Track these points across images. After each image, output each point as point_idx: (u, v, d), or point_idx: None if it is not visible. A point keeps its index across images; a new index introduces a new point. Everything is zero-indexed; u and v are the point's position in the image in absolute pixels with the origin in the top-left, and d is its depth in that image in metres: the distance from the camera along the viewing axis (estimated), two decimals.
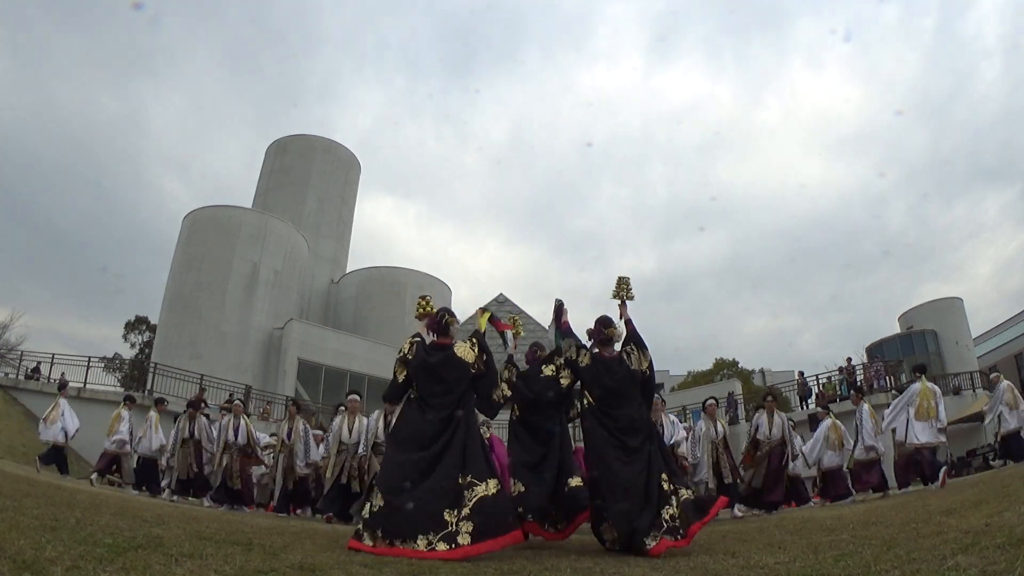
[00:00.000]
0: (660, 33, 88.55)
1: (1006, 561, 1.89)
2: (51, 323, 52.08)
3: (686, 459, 7.66)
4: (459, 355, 3.87)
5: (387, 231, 74.02)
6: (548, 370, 4.33)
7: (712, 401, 8.27)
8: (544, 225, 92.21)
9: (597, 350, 4.15)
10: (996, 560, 1.94)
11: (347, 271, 30.42)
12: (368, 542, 3.27)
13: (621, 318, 4.25)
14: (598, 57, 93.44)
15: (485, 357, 3.97)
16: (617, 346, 4.15)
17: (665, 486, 3.66)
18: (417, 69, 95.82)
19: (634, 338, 4.13)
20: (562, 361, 4.28)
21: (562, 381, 4.26)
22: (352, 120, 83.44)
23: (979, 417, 16.46)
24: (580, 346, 4.24)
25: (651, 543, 3.35)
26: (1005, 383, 9.38)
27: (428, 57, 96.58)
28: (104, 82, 74.57)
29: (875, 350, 27.31)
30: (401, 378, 3.88)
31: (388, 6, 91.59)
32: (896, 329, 28.78)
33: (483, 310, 4.59)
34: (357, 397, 7.82)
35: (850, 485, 8.51)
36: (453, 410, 3.69)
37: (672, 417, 7.15)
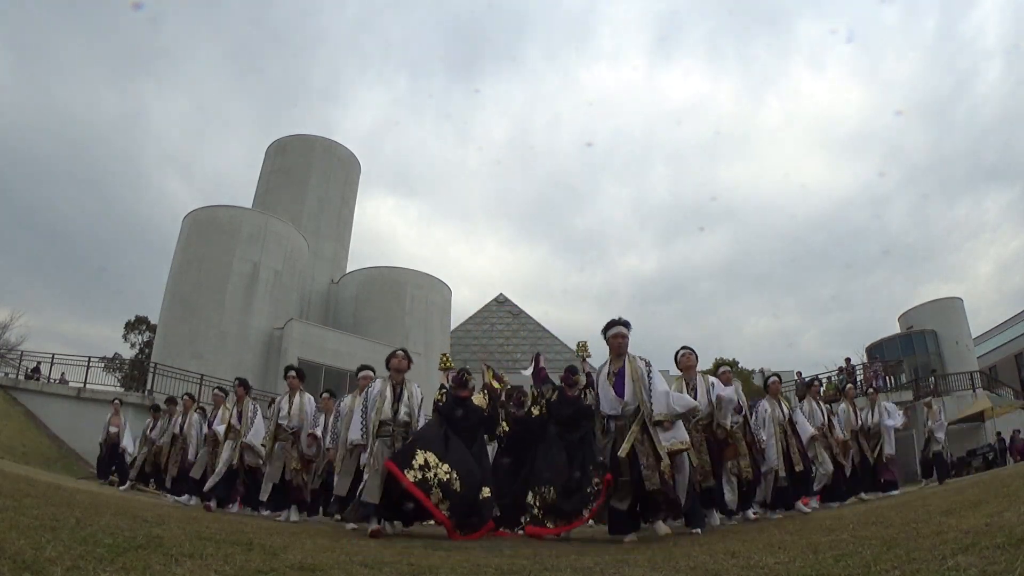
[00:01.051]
0: (661, 33, 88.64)
1: (1006, 561, 1.89)
2: (51, 323, 52.14)
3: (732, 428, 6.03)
4: (476, 404, 5.54)
5: (387, 231, 74.11)
6: (535, 410, 6.08)
7: (775, 378, 7.35)
8: (545, 225, 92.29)
9: (563, 388, 5.87)
10: (996, 560, 1.94)
11: (347, 271, 30.35)
12: (433, 500, 4.61)
13: (584, 371, 5.89)
14: (599, 57, 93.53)
15: (492, 404, 5.86)
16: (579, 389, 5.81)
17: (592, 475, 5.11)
18: (419, 69, 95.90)
19: (592, 385, 5.44)
20: (543, 401, 6.02)
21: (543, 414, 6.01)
22: (354, 120, 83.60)
23: (979, 417, 16.50)
24: (554, 387, 6.02)
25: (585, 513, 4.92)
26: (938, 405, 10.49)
27: (430, 57, 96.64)
28: (105, 82, 74.61)
29: (875, 350, 27.24)
30: (435, 420, 5.40)
31: (390, 6, 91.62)
32: (896, 329, 28.67)
33: (487, 366, 6.57)
34: (371, 373, 6.40)
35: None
36: (472, 435, 5.33)
37: (711, 380, 5.95)
